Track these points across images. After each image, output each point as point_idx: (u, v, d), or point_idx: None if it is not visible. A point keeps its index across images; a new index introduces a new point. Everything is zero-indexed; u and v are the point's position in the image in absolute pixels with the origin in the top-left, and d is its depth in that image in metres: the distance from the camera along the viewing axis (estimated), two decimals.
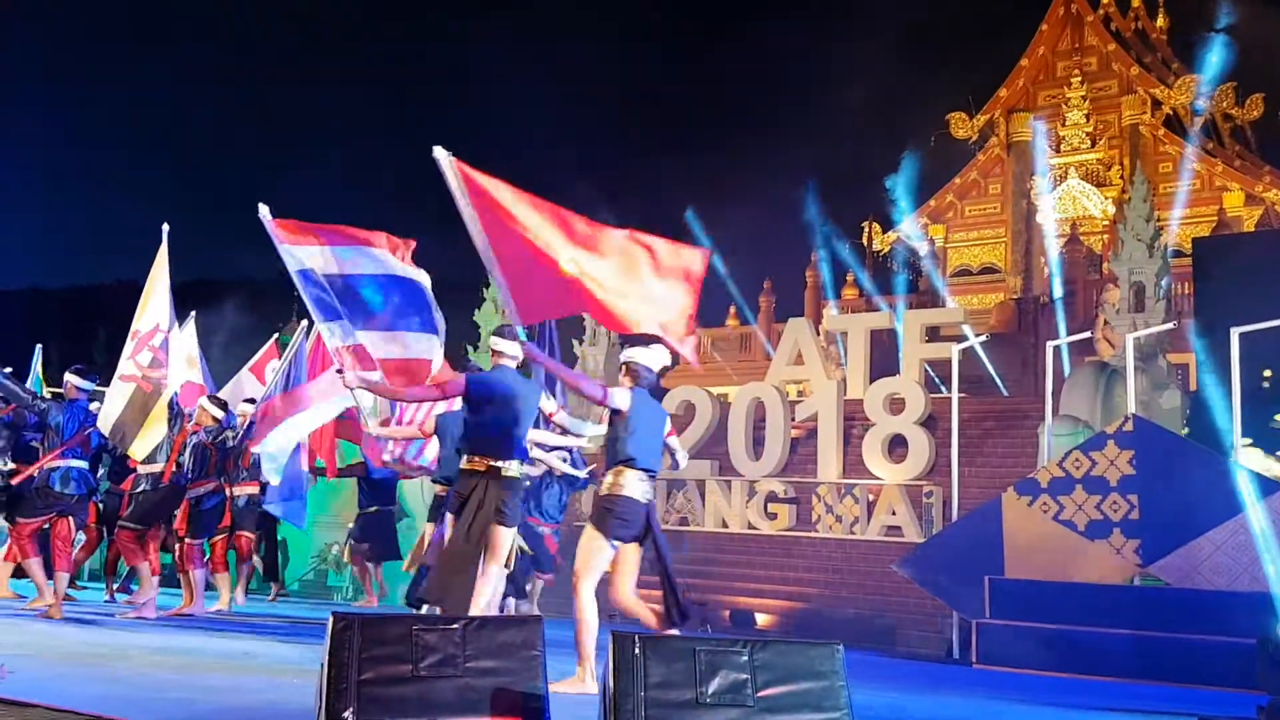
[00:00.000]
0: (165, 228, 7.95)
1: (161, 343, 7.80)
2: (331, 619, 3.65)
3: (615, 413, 5.50)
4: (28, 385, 9.89)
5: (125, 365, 7.78)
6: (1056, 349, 11.56)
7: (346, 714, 3.47)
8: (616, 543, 5.46)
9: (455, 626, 3.87)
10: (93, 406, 8.01)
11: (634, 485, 5.43)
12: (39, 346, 11.16)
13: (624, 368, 5.69)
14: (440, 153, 5.10)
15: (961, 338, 13.24)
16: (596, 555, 5.47)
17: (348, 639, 3.61)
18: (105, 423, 7.70)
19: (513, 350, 5.92)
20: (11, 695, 3.81)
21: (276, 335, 11.42)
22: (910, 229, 27.44)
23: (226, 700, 4.55)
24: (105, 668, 5.27)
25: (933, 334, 15.55)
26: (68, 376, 8.08)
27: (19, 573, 8.84)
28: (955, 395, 11.42)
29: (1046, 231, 24.75)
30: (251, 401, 9.27)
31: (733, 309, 25.66)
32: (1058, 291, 20.32)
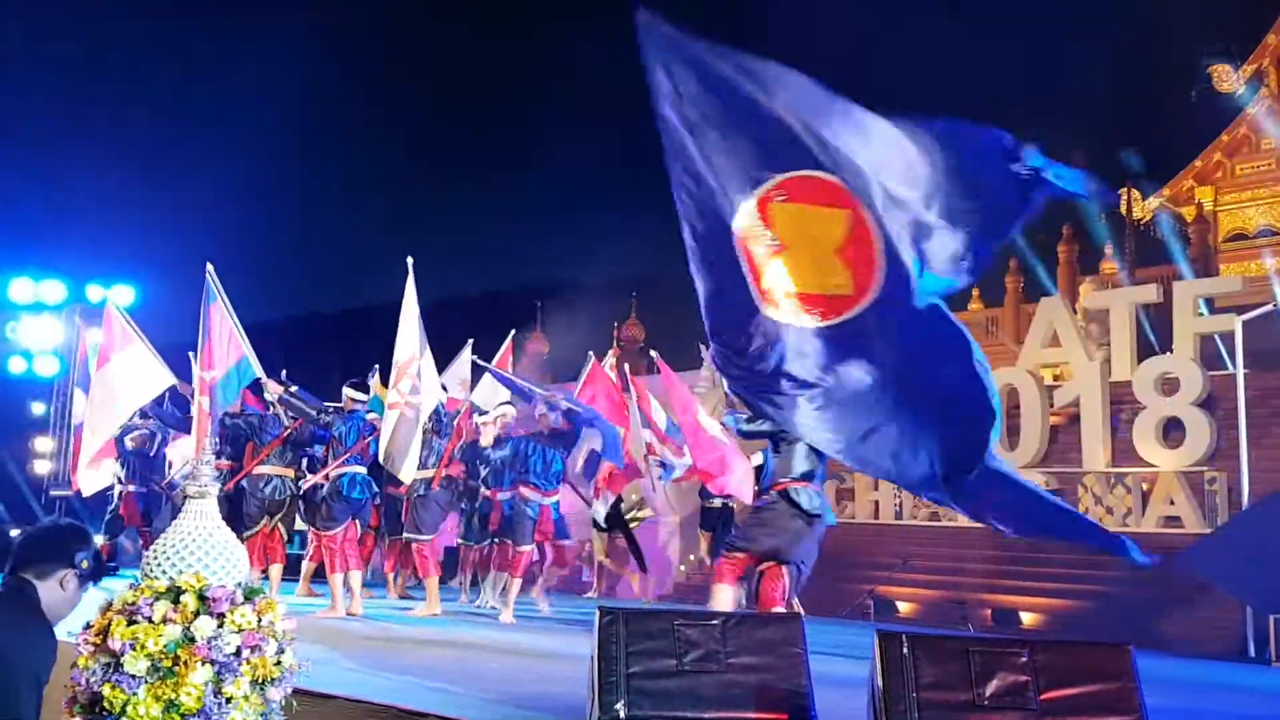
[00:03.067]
0: (410, 260, 8.29)
1: (416, 370, 8.22)
2: (598, 613, 3.74)
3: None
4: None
5: (391, 394, 8.30)
6: None
7: (618, 706, 3.54)
8: None
9: (715, 622, 3.88)
10: (370, 417, 8.61)
11: None
12: (376, 366, 11.82)
13: None
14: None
15: (1243, 308, 12.06)
16: None
17: (614, 633, 3.68)
18: (381, 450, 8.20)
19: None
20: (312, 688, 4.11)
21: (513, 333, 11.74)
22: (1174, 193, 25.32)
23: (504, 690, 4.76)
24: (394, 661, 5.65)
25: (1208, 305, 14.28)
26: (345, 390, 8.72)
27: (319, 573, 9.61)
28: (1240, 372, 10.41)
29: None
30: (510, 404, 9.56)
31: (976, 291, 24.51)
32: None
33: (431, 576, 8.64)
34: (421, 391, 8.22)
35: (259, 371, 8.61)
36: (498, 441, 8.76)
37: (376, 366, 11.44)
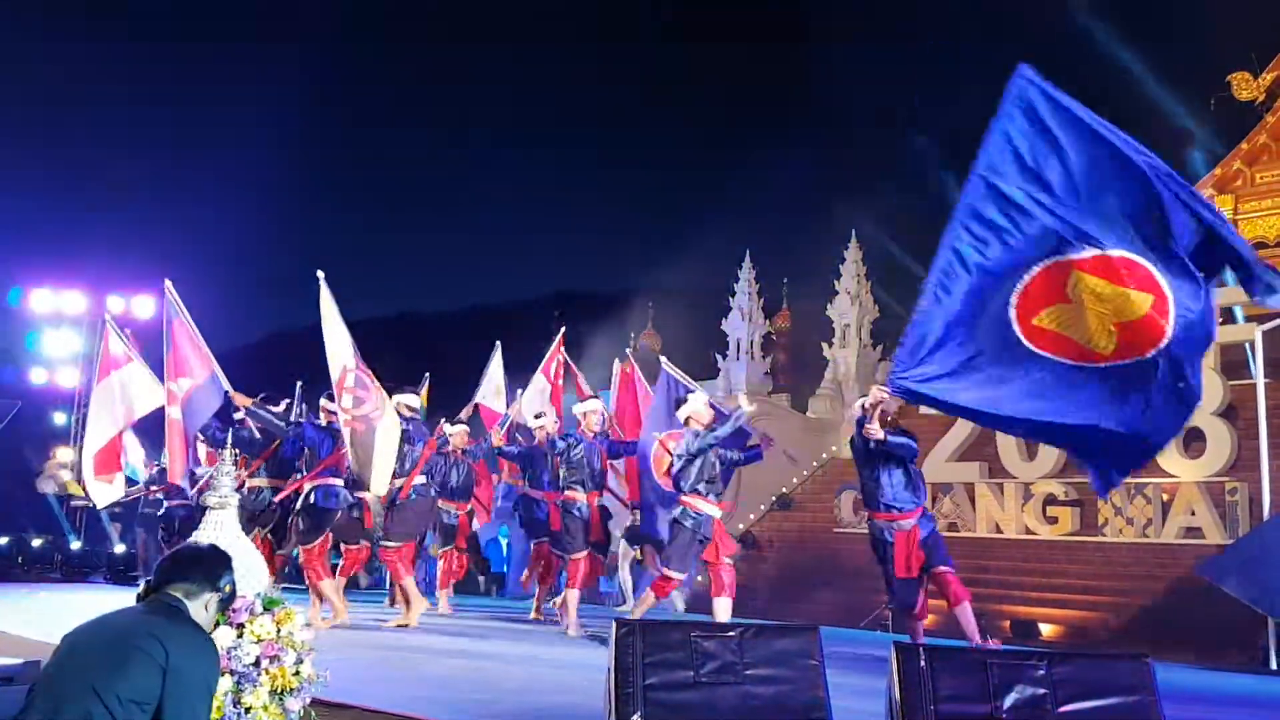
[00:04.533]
0: (320, 274, 8.00)
1: (355, 381, 7.97)
2: (614, 625, 3.74)
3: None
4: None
5: (340, 414, 8.04)
6: None
7: (635, 718, 3.54)
8: None
9: (732, 634, 3.87)
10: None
11: None
12: (426, 375, 11.39)
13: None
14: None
15: (1263, 317, 11.98)
16: None
17: (630, 644, 3.68)
18: (352, 467, 8.00)
19: None
20: (330, 698, 4.12)
21: (563, 350, 11.67)
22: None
23: (522, 701, 4.77)
24: (412, 672, 5.66)
25: (1226, 315, 14.17)
26: (322, 402, 8.70)
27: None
28: (1261, 381, 10.34)
29: None
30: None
31: None
32: None
33: (405, 579, 8.40)
34: (370, 401, 7.96)
35: (226, 385, 8.64)
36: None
37: (427, 375, 11.38)
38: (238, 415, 8.56)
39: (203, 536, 3.63)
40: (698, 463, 7.45)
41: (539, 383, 10.63)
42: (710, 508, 7.48)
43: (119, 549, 14.34)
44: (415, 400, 8.52)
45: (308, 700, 3.52)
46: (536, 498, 9.41)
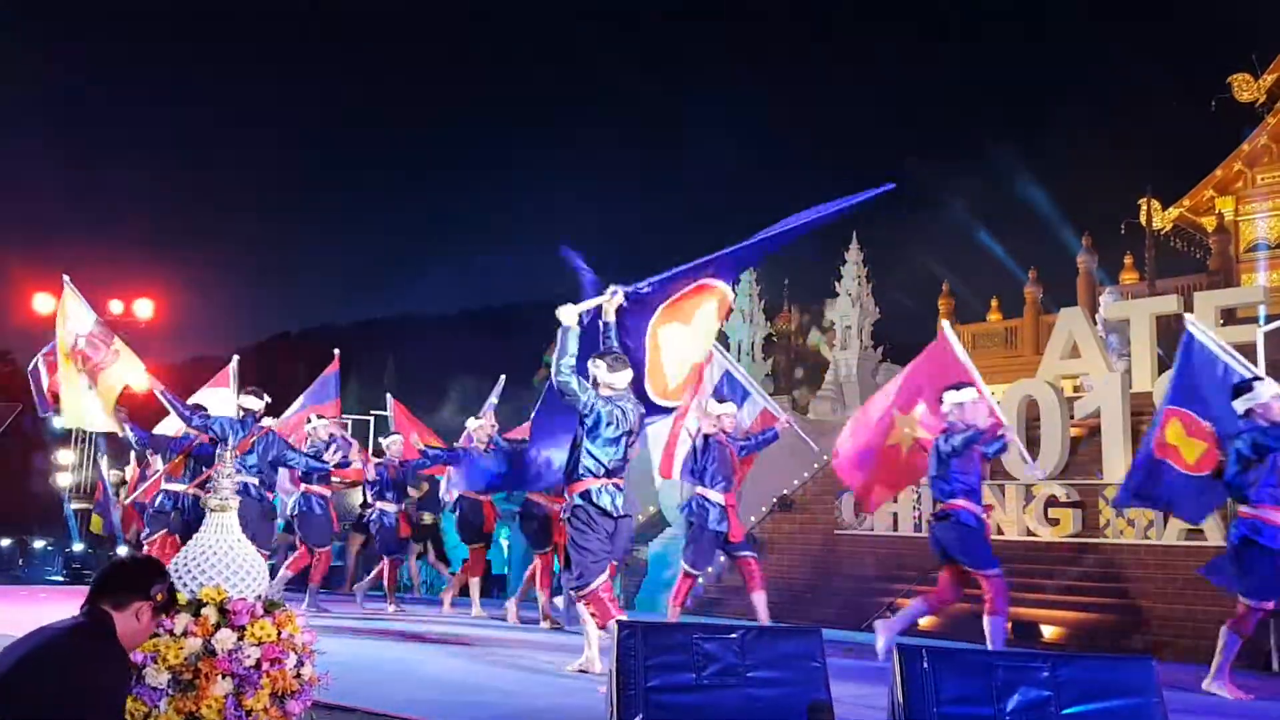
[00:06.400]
0: (66, 277, 8.70)
1: (100, 337, 8.62)
2: (616, 627, 3.73)
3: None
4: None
5: (76, 368, 8.56)
6: None
7: None
8: None
9: (734, 636, 3.86)
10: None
11: None
12: (503, 377, 11.26)
13: None
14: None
15: (1267, 319, 11.97)
16: None
17: (633, 646, 3.67)
18: (95, 418, 8.54)
19: None
20: (331, 700, 4.11)
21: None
22: (1194, 203, 25.13)
23: (523, 703, 4.76)
24: (414, 674, 5.65)
25: (1228, 317, 14.17)
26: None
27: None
28: None
29: None
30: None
31: (995, 302, 24.44)
32: None
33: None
34: (107, 349, 8.60)
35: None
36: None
37: (503, 377, 11.20)
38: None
39: (203, 539, 3.62)
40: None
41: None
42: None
43: (121, 551, 14.32)
44: (253, 402, 8.49)
45: (309, 703, 3.51)
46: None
